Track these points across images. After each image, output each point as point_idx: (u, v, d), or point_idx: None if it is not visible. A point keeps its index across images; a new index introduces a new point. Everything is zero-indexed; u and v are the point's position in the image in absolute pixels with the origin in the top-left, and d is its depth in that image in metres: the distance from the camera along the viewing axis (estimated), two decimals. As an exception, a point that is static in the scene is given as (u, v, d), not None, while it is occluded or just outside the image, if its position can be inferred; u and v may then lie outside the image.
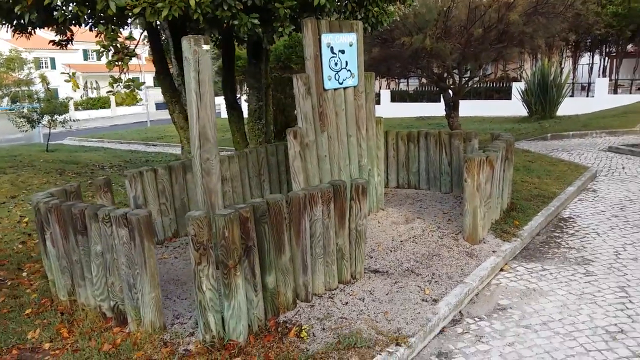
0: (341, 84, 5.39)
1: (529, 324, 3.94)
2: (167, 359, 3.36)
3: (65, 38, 6.52)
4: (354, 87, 5.60)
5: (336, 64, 5.29)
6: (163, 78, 7.34)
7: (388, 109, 26.14)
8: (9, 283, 5.02)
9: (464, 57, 15.23)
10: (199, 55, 4.26)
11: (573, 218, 6.45)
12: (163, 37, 11.07)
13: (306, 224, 3.92)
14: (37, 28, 5.92)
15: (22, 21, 5.22)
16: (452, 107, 15.84)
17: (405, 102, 27.62)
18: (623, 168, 9.05)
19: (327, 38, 5.14)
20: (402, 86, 30.03)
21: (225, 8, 4.50)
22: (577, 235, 5.83)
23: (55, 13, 4.35)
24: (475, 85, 22.11)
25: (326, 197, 4.04)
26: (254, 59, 6.63)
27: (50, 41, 6.71)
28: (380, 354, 3.36)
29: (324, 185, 4.15)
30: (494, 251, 5.09)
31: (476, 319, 4.07)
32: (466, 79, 16.33)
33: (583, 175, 8.13)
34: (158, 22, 6.28)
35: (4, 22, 5.62)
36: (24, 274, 5.22)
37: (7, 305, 4.47)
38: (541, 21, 14.60)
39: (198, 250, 3.29)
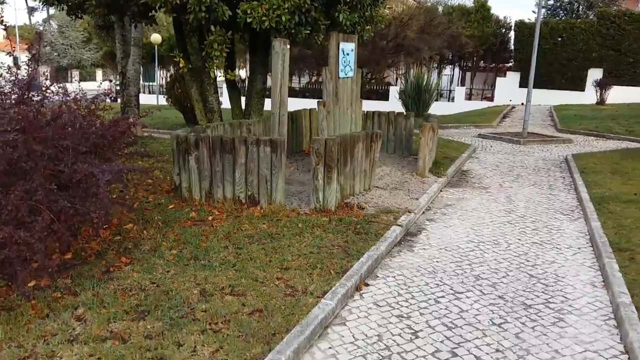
0: (346, 75, 8.44)
1: (466, 209, 7.37)
2: (298, 217, 6.19)
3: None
4: (352, 77, 8.67)
5: (344, 62, 8.33)
6: (188, 62, 9.69)
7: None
8: (127, 197, 7.30)
9: (367, 62, 18.93)
10: (285, 51, 7.07)
11: (469, 170, 10.17)
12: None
13: (355, 151, 6.94)
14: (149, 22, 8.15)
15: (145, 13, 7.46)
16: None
17: (296, 97, 30.92)
18: (491, 147, 13.23)
19: (342, 45, 8.16)
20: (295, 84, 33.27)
21: (292, 23, 7.32)
22: (475, 177, 9.52)
23: (190, 16, 6.77)
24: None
25: (363, 138, 7.10)
26: (265, 53, 9.35)
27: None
28: (403, 216, 6.52)
29: (363, 131, 7.20)
30: (435, 181, 8.51)
31: (438, 208, 7.41)
32: (367, 79, 20.11)
33: (468, 149, 12.03)
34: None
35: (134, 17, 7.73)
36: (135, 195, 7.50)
37: (147, 205, 6.84)
38: (427, 39, 18.82)
39: (317, 156, 6.18)
